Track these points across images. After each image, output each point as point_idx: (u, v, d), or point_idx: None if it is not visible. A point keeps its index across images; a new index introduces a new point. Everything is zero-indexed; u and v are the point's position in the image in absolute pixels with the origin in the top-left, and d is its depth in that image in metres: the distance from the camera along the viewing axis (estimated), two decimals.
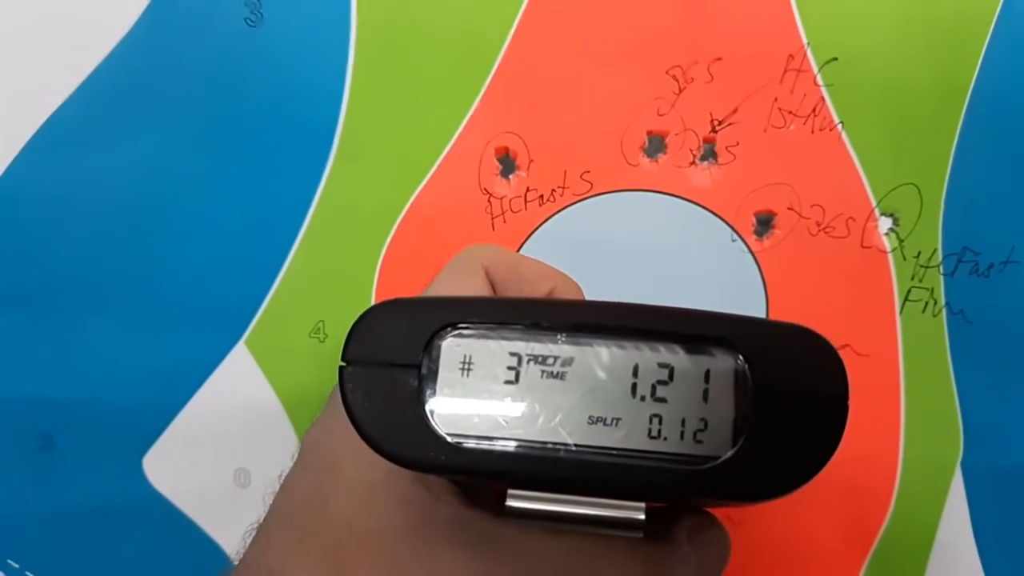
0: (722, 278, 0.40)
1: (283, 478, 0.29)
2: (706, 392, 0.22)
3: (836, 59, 0.38)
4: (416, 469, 0.23)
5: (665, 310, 0.23)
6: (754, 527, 0.40)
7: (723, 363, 0.22)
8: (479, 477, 0.25)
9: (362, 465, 0.23)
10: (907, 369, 0.39)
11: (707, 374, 0.22)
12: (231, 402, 0.43)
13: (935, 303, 0.39)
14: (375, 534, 0.26)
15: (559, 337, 0.23)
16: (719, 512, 0.29)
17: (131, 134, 0.41)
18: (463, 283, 0.29)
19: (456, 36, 0.40)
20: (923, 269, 0.39)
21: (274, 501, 0.29)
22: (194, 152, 0.41)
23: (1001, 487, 0.39)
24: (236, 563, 0.28)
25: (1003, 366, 0.39)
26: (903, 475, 0.39)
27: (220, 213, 0.42)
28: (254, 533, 0.28)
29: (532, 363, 0.23)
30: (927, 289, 0.39)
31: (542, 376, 0.23)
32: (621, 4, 0.40)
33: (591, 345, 0.23)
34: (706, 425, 0.22)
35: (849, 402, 0.21)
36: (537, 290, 0.29)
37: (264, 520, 0.28)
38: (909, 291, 0.39)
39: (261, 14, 0.40)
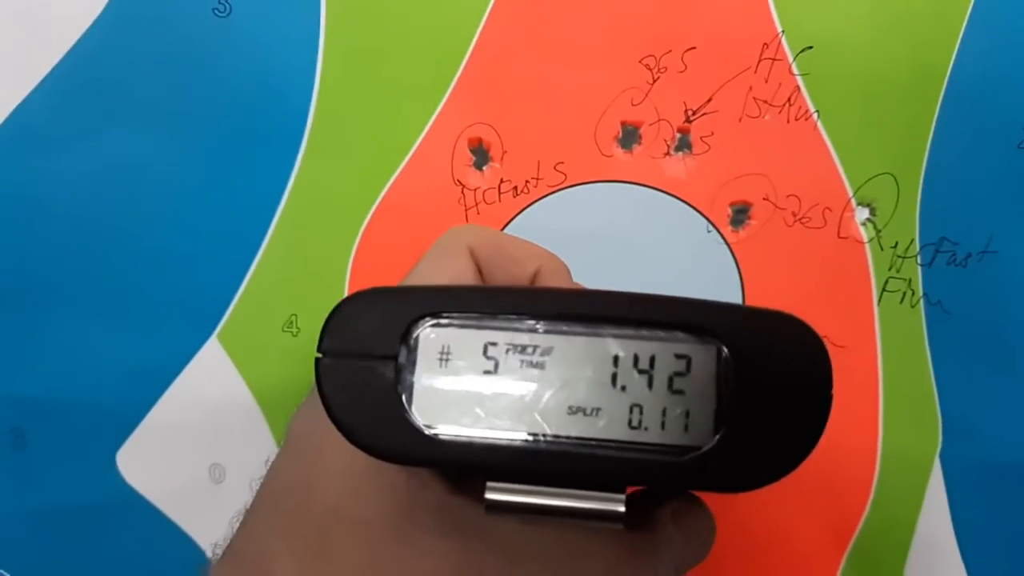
0: (698, 270, 0.40)
1: (269, 464, 0.29)
2: (688, 381, 0.22)
3: (811, 47, 0.38)
4: (394, 461, 0.23)
5: (646, 297, 0.22)
6: (733, 520, 0.40)
7: (705, 351, 0.22)
8: (458, 469, 0.25)
9: (347, 452, 0.23)
10: (885, 360, 0.39)
11: (689, 363, 0.22)
12: (204, 397, 0.42)
13: (913, 294, 0.38)
14: (360, 521, 0.25)
15: (538, 326, 0.22)
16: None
17: (97, 128, 0.41)
18: (448, 264, 0.29)
19: (427, 25, 0.40)
20: (900, 259, 0.38)
21: (260, 487, 0.28)
22: (162, 146, 0.41)
23: (980, 479, 0.38)
24: (221, 550, 0.28)
25: (982, 357, 0.38)
26: (882, 468, 0.39)
27: (190, 207, 0.41)
28: (240, 519, 0.28)
29: (511, 353, 0.22)
30: (905, 280, 0.39)
31: (521, 366, 0.22)
32: None
33: (570, 334, 0.22)
34: (688, 415, 0.22)
35: (833, 391, 0.21)
36: (524, 270, 0.29)
37: (250, 507, 0.28)
38: (886, 282, 0.39)
39: (229, 5, 0.40)
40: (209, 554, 0.42)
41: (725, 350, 0.22)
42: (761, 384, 0.21)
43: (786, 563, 0.40)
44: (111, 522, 0.43)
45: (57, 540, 0.43)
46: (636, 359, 0.22)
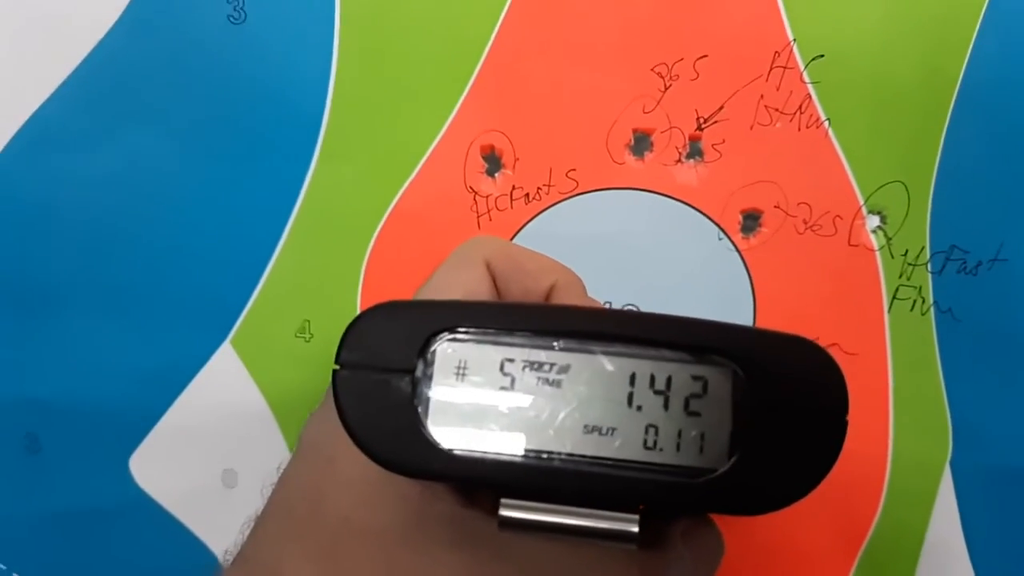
0: (709, 277, 0.40)
1: (281, 470, 0.29)
2: (704, 403, 0.22)
3: (822, 56, 0.38)
4: (409, 475, 0.23)
5: (664, 319, 0.23)
6: (743, 527, 0.40)
7: (721, 374, 0.22)
8: (472, 485, 0.25)
9: (360, 461, 0.23)
10: (895, 368, 0.39)
11: (705, 385, 0.22)
12: (217, 402, 0.42)
13: (923, 301, 0.39)
14: (372, 531, 0.25)
15: (556, 344, 0.22)
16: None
17: (114, 133, 0.41)
18: (463, 276, 0.29)
19: (441, 33, 0.40)
20: (911, 267, 0.38)
21: (272, 494, 0.28)
22: (177, 151, 0.41)
23: (991, 486, 0.38)
24: (232, 556, 0.28)
25: (992, 364, 0.38)
26: (892, 475, 0.39)
27: (204, 212, 0.41)
28: (251, 525, 0.28)
29: (528, 370, 0.22)
30: (915, 287, 0.39)
31: (538, 383, 0.22)
32: (606, 1, 0.39)
33: (588, 353, 0.22)
34: (703, 437, 0.22)
35: (848, 417, 0.21)
36: (539, 284, 0.29)
37: (262, 513, 0.28)
38: (897, 289, 0.39)
39: (244, 11, 0.40)
40: (220, 559, 0.43)
41: (742, 373, 0.22)
42: (777, 408, 0.21)
43: (796, 569, 0.40)
44: (123, 526, 0.43)
45: (70, 543, 0.43)
46: (652, 379, 0.22)
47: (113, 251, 0.42)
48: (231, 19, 0.40)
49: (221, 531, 0.43)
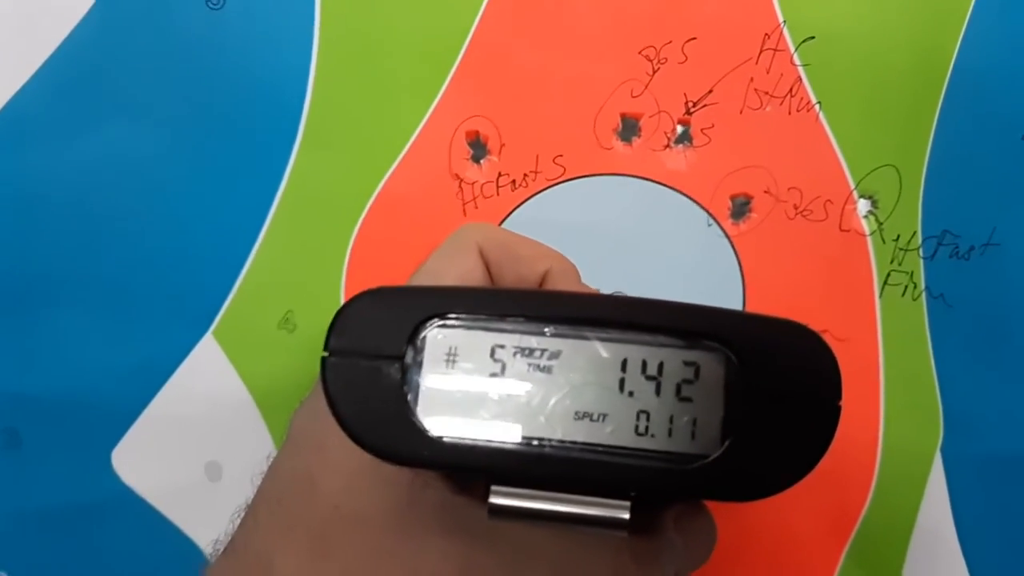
0: (698, 263, 0.40)
1: (270, 460, 0.29)
2: (696, 389, 0.22)
3: (813, 38, 0.38)
4: (398, 463, 0.23)
5: (656, 304, 0.22)
6: (733, 514, 0.40)
7: (714, 359, 0.22)
8: (462, 472, 0.25)
9: (350, 449, 0.23)
10: (886, 354, 0.39)
11: (697, 370, 0.22)
12: (200, 394, 0.42)
13: (915, 287, 0.38)
14: (362, 517, 0.25)
15: (546, 330, 0.22)
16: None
17: (90, 122, 0.40)
18: (457, 262, 0.29)
19: (424, 17, 0.39)
20: (902, 252, 0.38)
21: (262, 483, 0.28)
22: (156, 140, 0.40)
23: (981, 473, 0.38)
24: (222, 547, 0.28)
25: (984, 350, 0.38)
26: (882, 461, 0.39)
27: (184, 202, 0.41)
28: (241, 515, 0.28)
29: (519, 356, 0.22)
30: (907, 273, 0.38)
31: (528, 369, 0.22)
32: None
33: (579, 339, 0.22)
34: (695, 423, 0.22)
35: (841, 402, 0.21)
36: (532, 271, 0.29)
37: (252, 502, 0.28)
38: (888, 275, 0.38)
39: None
40: (206, 552, 0.42)
41: (734, 358, 0.22)
42: (769, 393, 0.21)
43: (787, 555, 0.40)
44: (107, 521, 0.43)
45: (53, 539, 0.43)
46: (644, 365, 0.22)
47: (92, 242, 0.41)
48: (210, 4, 0.39)
49: (205, 525, 0.43)
